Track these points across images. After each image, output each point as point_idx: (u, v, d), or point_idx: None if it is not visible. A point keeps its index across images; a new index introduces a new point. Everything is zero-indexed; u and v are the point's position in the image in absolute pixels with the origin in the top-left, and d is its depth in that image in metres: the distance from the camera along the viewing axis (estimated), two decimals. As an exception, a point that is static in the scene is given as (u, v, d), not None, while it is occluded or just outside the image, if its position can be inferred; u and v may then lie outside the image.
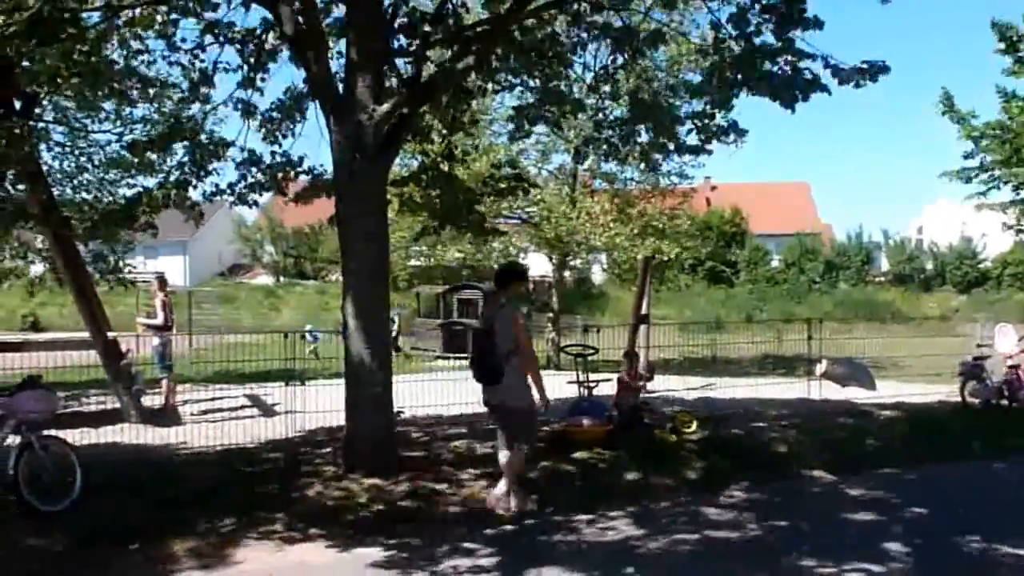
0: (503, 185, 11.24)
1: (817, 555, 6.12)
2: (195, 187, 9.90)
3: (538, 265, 26.28)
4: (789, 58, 7.82)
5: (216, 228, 52.68)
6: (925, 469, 9.15)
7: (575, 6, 9.14)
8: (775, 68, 7.93)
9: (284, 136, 9.94)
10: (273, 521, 6.90)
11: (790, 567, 6.00)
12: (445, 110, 9.78)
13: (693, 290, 41.23)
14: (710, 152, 9.42)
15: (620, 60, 9.38)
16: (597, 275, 39.33)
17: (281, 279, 49.00)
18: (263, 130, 9.85)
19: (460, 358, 23.16)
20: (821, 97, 7.89)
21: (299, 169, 10.01)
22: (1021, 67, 13.74)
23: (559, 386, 11.23)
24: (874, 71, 7.71)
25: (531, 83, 9.78)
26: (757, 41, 8.05)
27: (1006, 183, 13.95)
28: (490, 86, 10.37)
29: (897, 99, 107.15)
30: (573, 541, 6.64)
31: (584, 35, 9.26)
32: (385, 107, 7.97)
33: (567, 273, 26.90)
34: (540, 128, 15.15)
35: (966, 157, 14.17)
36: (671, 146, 9.45)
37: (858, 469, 8.88)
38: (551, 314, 24.27)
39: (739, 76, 8.17)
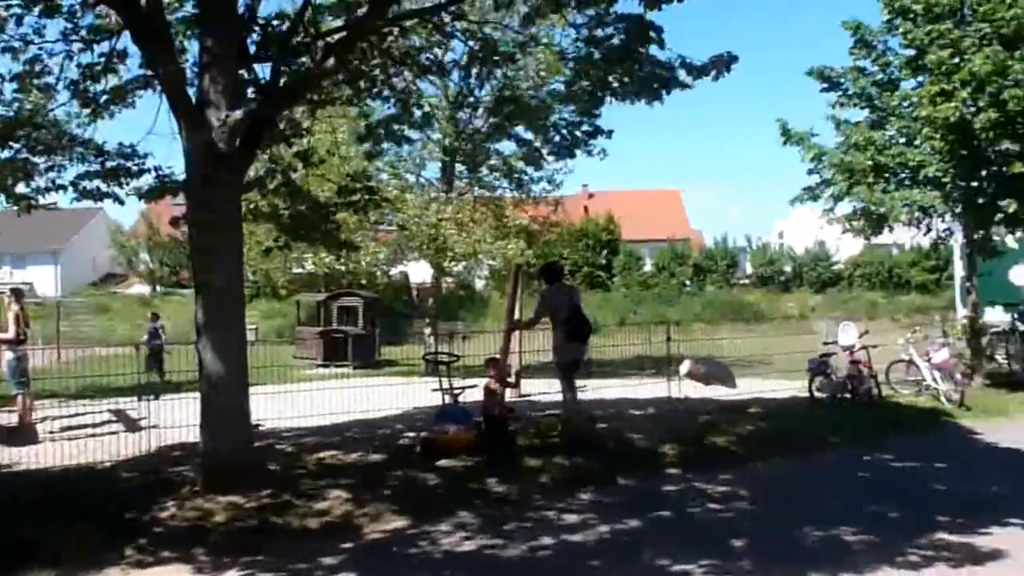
0: (356, 198, 11.06)
1: (671, 553, 6.30)
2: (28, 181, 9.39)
3: (419, 272, 26.21)
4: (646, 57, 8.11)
5: (91, 235, 50.24)
6: (775, 463, 9.59)
7: (436, 16, 9.19)
8: (636, 69, 8.21)
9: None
10: (125, 545, 6.59)
11: (644, 566, 6.15)
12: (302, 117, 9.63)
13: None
14: (573, 155, 9.63)
15: (482, 71, 9.50)
16: (479, 282, 39.54)
17: (158, 288, 46.98)
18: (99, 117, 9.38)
19: (340, 366, 22.83)
20: (693, 104, 8.32)
21: (143, 167, 9.60)
22: (847, 99, 14.78)
23: (424, 393, 11.26)
24: (725, 62, 8.10)
25: (388, 93, 9.73)
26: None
27: (847, 197, 14.83)
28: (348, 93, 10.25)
29: (765, 108, 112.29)
30: (432, 551, 6.62)
31: (441, 48, 9.32)
32: (240, 112, 7.78)
33: (448, 279, 26.93)
34: (416, 134, 15.15)
35: (810, 173, 15.04)
36: (537, 153, 9.61)
37: (713, 465, 9.20)
38: (429, 320, 24.22)
39: (603, 79, 8.42)
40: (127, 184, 9.63)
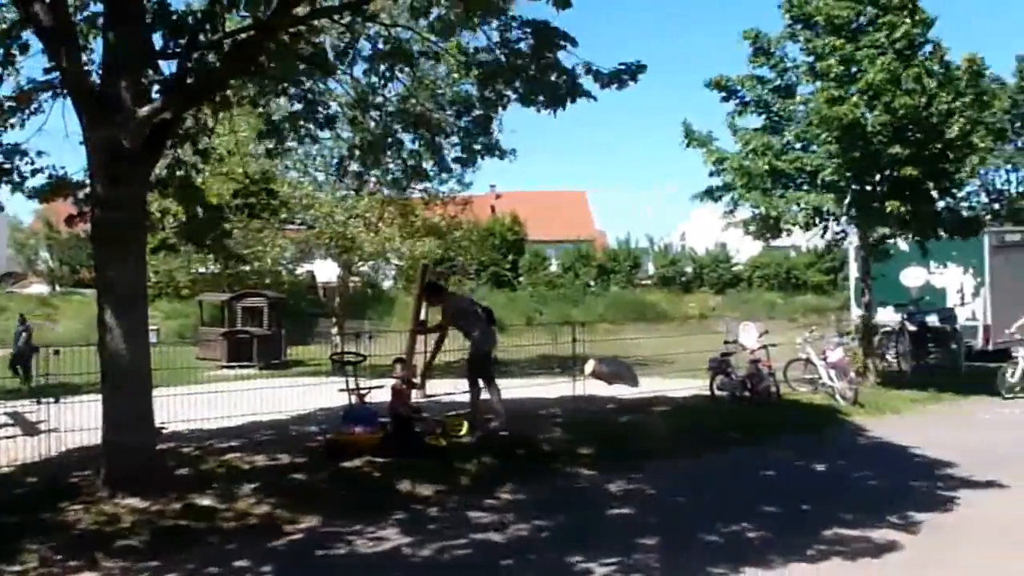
0: (253, 200, 10.80)
1: (581, 550, 6.37)
2: None
3: (326, 271, 25.78)
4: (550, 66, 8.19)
5: (-13, 233, 47.82)
6: (679, 461, 9.83)
7: (345, 18, 9.09)
8: (540, 76, 8.28)
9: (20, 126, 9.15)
10: (27, 553, 6.30)
11: (556, 564, 6.20)
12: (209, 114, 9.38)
13: (478, 294, 41.95)
14: (473, 163, 9.67)
15: (388, 74, 9.42)
16: (387, 281, 39.20)
17: (57, 288, 44.88)
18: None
19: (245, 367, 22.30)
20: (599, 106, 8.40)
21: (33, 166, 9.20)
22: (744, 107, 15.34)
23: (331, 394, 11.13)
24: (633, 72, 8.25)
25: (295, 91, 9.57)
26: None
27: (746, 200, 15.35)
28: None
29: (672, 110, 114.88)
30: (344, 554, 6.54)
31: (350, 48, 9.22)
32: (147, 110, 7.56)
33: (355, 279, 26.60)
34: (325, 133, 14.87)
35: (711, 175, 15.52)
36: (432, 160, 9.59)
37: (620, 464, 9.36)
38: (336, 320, 23.90)
39: (507, 86, 8.47)
40: (18, 183, 9.19)
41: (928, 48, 14.27)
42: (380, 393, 9.94)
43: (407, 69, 9.50)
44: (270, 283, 25.53)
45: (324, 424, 10.61)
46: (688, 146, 15.42)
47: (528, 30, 8.20)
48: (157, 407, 8.20)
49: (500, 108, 8.80)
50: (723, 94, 15.51)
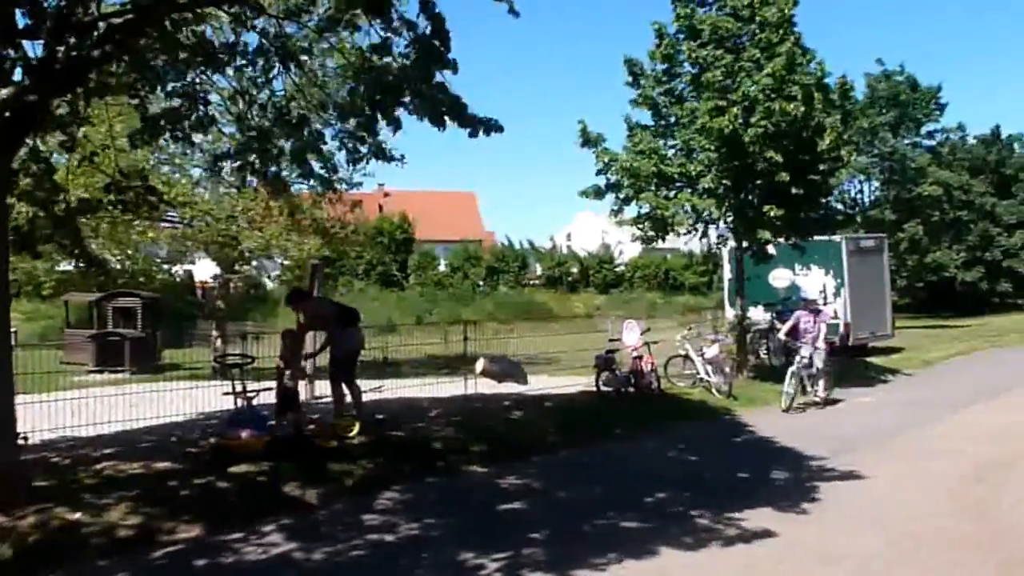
0: (126, 197, 10.23)
1: (473, 547, 6.45)
2: None
3: (206, 270, 24.90)
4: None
5: None
6: (567, 455, 10.09)
7: (231, 8, 8.80)
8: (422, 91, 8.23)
9: None
10: None
11: (447, 562, 6.26)
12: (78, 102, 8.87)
13: (367, 294, 41.55)
14: (356, 165, 9.55)
15: (273, 70, 9.19)
16: (270, 281, 38.18)
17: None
18: None
19: (116, 371, 21.27)
20: (491, 114, 8.36)
21: None
22: (643, 99, 15.74)
23: (214, 397, 10.81)
24: (491, 127, 8.33)
25: (176, 85, 9.20)
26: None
27: (633, 202, 15.81)
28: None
29: (556, 112, 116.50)
30: (230, 563, 6.38)
31: (237, 40, 8.94)
32: (5, 93, 7.12)
33: (236, 278, 25.78)
34: (199, 136, 14.34)
35: (598, 174, 15.89)
36: (314, 163, 9.40)
37: (511, 459, 9.54)
38: (216, 321, 23.11)
39: (388, 98, 8.38)
40: None
41: (812, 66, 15.10)
42: (268, 396, 9.71)
43: (292, 67, 9.28)
44: (143, 282, 24.45)
45: (209, 429, 10.28)
46: (583, 145, 15.76)
47: (414, 38, 8.12)
48: (19, 415, 7.72)
49: (385, 115, 8.68)
50: (630, 78, 15.91)
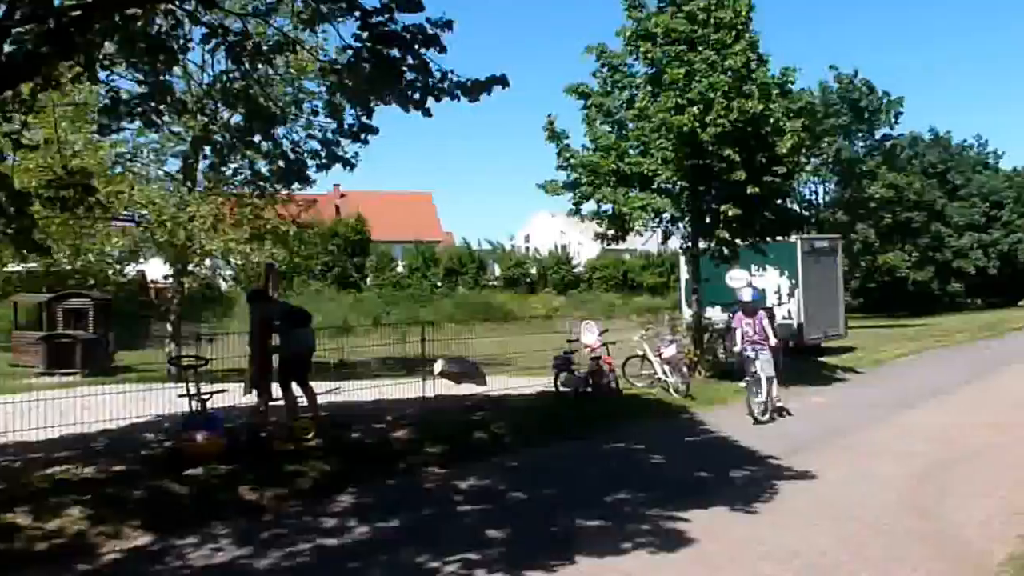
0: (65, 194, 10.00)
1: (430, 549, 6.44)
2: None
3: (158, 271, 24.45)
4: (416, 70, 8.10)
5: None
6: (525, 455, 10.11)
7: (182, 3, 8.67)
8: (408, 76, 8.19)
9: None
10: None
11: (403, 564, 6.24)
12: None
13: (324, 295, 41.24)
14: (308, 181, 9.50)
15: (237, 65, 9.08)
16: (224, 282, 37.69)
17: None
18: None
19: (68, 373, 20.84)
20: (448, 114, 8.35)
21: None
22: (596, 112, 15.94)
23: (168, 399, 10.66)
24: (494, 82, 8.29)
25: (135, 78, 9.06)
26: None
27: (592, 198, 15.92)
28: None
29: (514, 113, 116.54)
30: (180, 567, 6.31)
31: (190, 34, 8.82)
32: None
33: (189, 279, 25.38)
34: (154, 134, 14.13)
35: (559, 168, 16.02)
36: (281, 163, 9.32)
37: (470, 460, 9.54)
38: (171, 322, 22.74)
39: (372, 89, 8.32)
40: None
41: (773, 71, 15.38)
42: (224, 398, 9.61)
43: (258, 65, 9.18)
44: (95, 283, 23.97)
45: (164, 432, 10.13)
46: (550, 140, 15.87)
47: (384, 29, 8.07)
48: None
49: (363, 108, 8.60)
50: (581, 101, 16.07)
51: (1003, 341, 27.52)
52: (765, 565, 6.15)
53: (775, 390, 13.04)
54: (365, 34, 8.06)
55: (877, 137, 38.83)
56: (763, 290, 20.65)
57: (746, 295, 13.75)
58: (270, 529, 7.17)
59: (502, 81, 8.26)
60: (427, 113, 8.14)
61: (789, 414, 13.11)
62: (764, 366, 12.78)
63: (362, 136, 8.85)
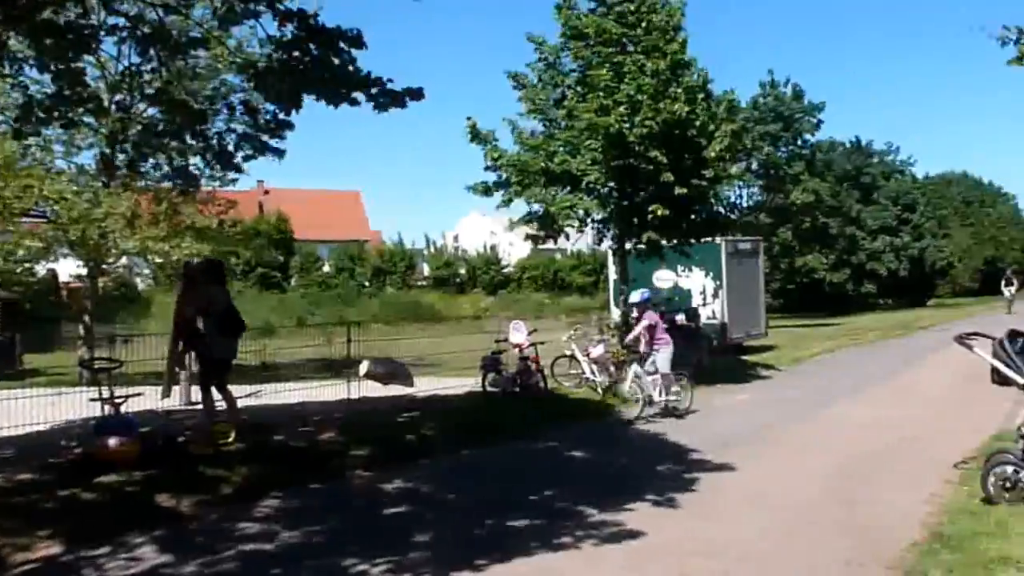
0: None
1: (355, 553, 6.27)
2: None
3: (70, 270, 23.54)
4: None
5: None
6: (454, 457, 9.99)
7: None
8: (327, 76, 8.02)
9: None
10: None
11: (327, 569, 6.07)
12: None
13: (246, 295, 40.33)
14: (239, 170, 9.25)
15: (147, 58, 8.77)
16: (142, 281, 36.52)
17: None
18: None
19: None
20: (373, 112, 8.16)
21: None
22: (529, 109, 15.94)
23: (80, 404, 10.23)
24: (410, 95, 8.18)
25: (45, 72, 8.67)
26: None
27: (520, 197, 15.91)
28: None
29: (444, 110, 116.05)
30: (93, 579, 6.03)
31: (104, 23, 8.48)
32: None
33: (104, 279, 24.48)
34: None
35: (487, 169, 15.96)
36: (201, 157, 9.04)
37: (397, 463, 9.37)
38: (83, 324, 21.90)
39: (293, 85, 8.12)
40: None
41: (695, 75, 15.54)
42: (139, 402, 9.24)
43: (176, 58, 8.88)
44: (1, 283, 22.96)
45: (75, 438, 9.67)
46: (472, 141, 15.78)
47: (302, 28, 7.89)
48: None
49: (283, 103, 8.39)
50: (518, 90, 16.08)
51: (914, 338, 28.53)
52: (698, 559, 6.18)
53: (670, 390, 13.00)
54: (286, 31, 7.92)
55: (799, 143, 39.86)
56: (688, 290, 21.07)
57: (634, 296, 13.89)
58: (190, 537, 6.90)
59: (417, 95, 8.19)
60: (354, 102, 8.01)
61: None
62: (659, 364, 12.93)
63: (280, 132, 8.66)
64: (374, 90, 8.02)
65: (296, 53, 7.96)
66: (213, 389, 9.90)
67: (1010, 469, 7.08)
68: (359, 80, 7.94)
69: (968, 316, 36.75)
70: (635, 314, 13.74)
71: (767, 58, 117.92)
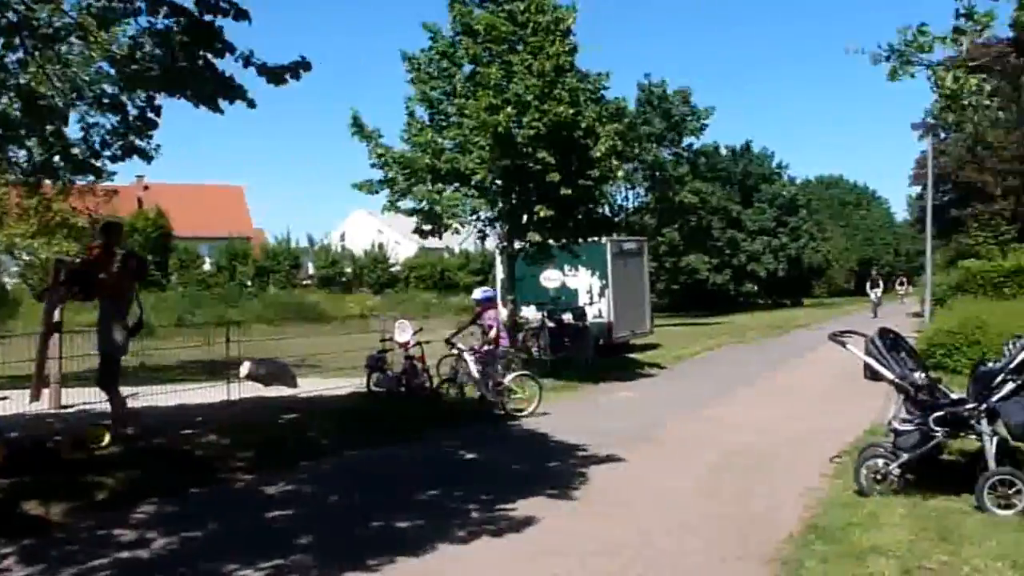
0: None
1: (236, 558, 6.14)
2: None
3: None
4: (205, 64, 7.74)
5: None
6: (339, 458, 9.88)
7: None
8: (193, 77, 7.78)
9: None
10: None
11: (208, 575, 5.93)
12: None
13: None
14: (99, 174, 8.91)
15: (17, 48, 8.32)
16: (10, 279, 34.54)
17: None
18: None
19: None
20: (264, 108, 8.01)
21: None
22: (421, 95, 15.88)
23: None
24: (297, 68, 8.05)
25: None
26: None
27: (407, 198, 15.87)
28: None
29: (330, 106, 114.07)
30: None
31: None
32: None
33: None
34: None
35: (373, 167, 15.85)
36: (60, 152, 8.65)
37: (281, 465, 9.18)
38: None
39: (158, 82, 7.85)
40: None
41: (585, 78, 15.83)
42: (5, 406, 8.77)
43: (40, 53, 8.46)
44: None
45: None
46: (356, 136, 15.63)
47: (181, 21, 7.64)
48: None
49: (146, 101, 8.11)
50: (410, 74, 15.98)
51: (792, 336, 29.91)
52: (588, 556, 6.30)
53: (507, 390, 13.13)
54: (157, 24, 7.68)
55: (684, 145, 41.08)
56: (575, 290, 21.47)
57: (476, 294, 14.14)
58: (61, 546, 6.58)
59: (304, 66, 8.08)
60: (217, 109, 7.84)
61: (597, 401, 13.46)
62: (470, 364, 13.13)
63: (146, 130, 8.39)
64: (259, 66, 7.84)
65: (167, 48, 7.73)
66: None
67: (881, 462, 7.47)
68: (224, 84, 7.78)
69: (844, 315, 38.79)
70: (477, 310, 13.74)
71: (654, 65, 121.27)
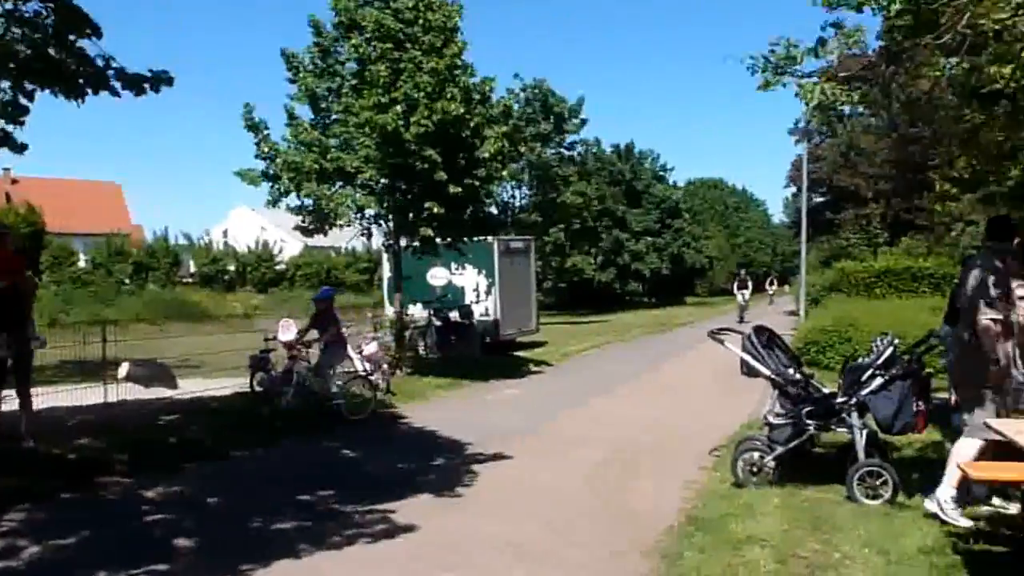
0: None
1: (112, 564, 6.00)
2: None
3: None
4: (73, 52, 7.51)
5: None
6: (221, 460, 9.70)
7: None
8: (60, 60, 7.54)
9: None
10: None
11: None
12: None
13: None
14: None
15: None
16: None
17: None
18: None
19: None
20: (141, 102, 7.83)
21: None
22: (303, 93, 15.64)
23: None
24: (158, 81, 7.88)
25: None
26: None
27: (291, 194, 15.64)
28: None
29: (212, 101, 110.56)
30: None
31: None
32: None
33: None
34: None
35: (257, 157, 15.57)
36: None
37: (160, 468, 8.95)
38: None
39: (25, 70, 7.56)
40: None
41: (475, 78, 15.94)
42: None
43: None
44: None
45: None
46: (248, 129, 15.33)
47: (51, 5, 7.39)
48: None
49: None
50: (289, 73, 15.72)
51: (674, 334, 30.87)
52: (473, 553, 6.43)
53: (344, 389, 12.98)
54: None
55: (567, 143, 41.64)
56: (461, 288, 21.64)
57: (320, 293, 13.90)
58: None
59: (166, 80, 7.96)
60: (81, 99, 7.64)
61: (484, 399, 13.61)
62: (333, 361, 12.97)
63: (17, 116, 8.06)
64: (117, 83, 7.68)
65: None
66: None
67: (756, 455, 7.83)
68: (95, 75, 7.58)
69: (723, 314, 40.19)
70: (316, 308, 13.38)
71: (528, 66, 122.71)
